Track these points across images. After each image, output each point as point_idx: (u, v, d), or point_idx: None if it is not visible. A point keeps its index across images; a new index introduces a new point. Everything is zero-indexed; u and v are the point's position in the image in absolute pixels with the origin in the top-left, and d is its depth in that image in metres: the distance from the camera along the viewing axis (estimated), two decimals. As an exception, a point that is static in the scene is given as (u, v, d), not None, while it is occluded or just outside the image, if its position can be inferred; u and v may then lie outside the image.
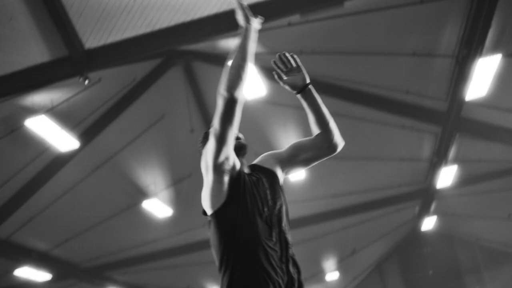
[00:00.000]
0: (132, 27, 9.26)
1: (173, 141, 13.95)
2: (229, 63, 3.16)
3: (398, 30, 10.87)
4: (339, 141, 3.50)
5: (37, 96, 10.35)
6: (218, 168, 3.19)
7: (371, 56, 11.40)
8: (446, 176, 15.29)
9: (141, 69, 11.52)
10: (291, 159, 3.50)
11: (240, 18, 3.29)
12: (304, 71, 3.49)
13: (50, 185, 12.59)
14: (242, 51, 3.17)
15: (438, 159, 15.01)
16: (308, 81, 3.48)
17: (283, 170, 3.49)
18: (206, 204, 3.27)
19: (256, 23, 3.29)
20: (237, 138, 3.51)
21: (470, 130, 13.67)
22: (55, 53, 9.05)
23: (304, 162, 3.50)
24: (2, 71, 9.02)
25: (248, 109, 12.56)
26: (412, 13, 10.37)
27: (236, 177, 3.26)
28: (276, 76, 3.49)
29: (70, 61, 9.07)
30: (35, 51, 8.96)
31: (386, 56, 11.42)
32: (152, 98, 12.41)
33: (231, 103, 3.11)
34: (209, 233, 3.26)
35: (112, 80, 11.13)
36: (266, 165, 3.48)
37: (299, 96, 3.51)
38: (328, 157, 3.54)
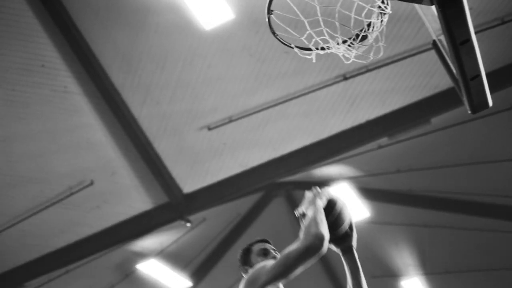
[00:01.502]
0: (226, 169, 9.73)
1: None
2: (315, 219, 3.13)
3: (492, 138, 10.65)
4: None
5: (146, 241, 10.91)
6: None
7: (471, 166, 11.15)
8: None
9: (244, 204, 11.89)
10: None
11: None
12: (354, 233, 3.40)
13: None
14: (319, 217, 3.15)
15: None
16: (354, 246, 3.39)
17: None
18: None
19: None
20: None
21: None
22: (156, 201, 9.64)
23: None
24: (109, 222, 9.69)
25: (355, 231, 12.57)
26: (503, 120, 10.18)
27: None
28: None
29: (171, 206, 9.61)
30: (137, 201, 9.59)
31: (487, 164, 11.14)
32: (258, 231, 12.66)
33: (315, 249, 3.00)
34: None
35: (216, 218, 11.56)
36: None
37: (342, 258, 3.39)
38: None
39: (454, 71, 3.93)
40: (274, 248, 3.50)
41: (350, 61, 3.57)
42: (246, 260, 3.46)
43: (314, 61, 3.57)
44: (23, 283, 9.96)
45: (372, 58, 3.60)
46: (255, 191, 11.55)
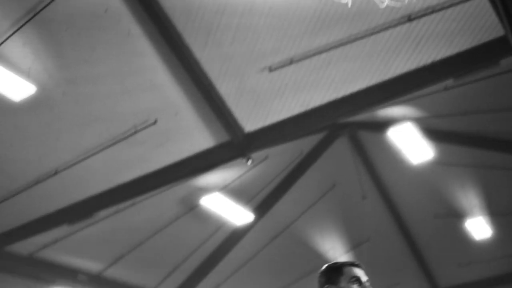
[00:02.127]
0: (287, 109, 9.91)
1: (347, 208, 14.30)
2: None
3: None
4: None
5: (210, 177, 11.35)
6: None
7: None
8: None
9: (307, 143, 12.11)
10: None
11: None
12: None
13: (231, 256, 13.54)
14: None
15: None
16: None
17: None
18: None
19: None
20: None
21: None
22: (218, 139, 9.99)
23: None
24: (172, 159, 10.14)
25: (419, 172, 12.65)
26: None
27: None
28: None
29: (232, 145, 9.94)
30: (200, 139, 9.96)
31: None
32: (321, 169, 12.94)
33: None
34: None
35: (279, 156, 11.85)
36: None
37: None
38: None
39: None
40: (367, 279, 3.05)
41: (385, 4, 3.58)
42: (333, 279, 3.05)
43: (349, 6, 3.58)
44: (91, 213, 10.64)
45: (406, 2, 3.57)
46: (318, 131, 11.73)
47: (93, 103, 8.96)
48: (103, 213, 10.84)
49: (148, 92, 9.05)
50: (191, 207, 11.84)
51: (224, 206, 11.62)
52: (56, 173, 9.49)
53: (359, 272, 3.05)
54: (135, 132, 9.43)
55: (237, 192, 11.85)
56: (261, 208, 12.63)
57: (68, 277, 11.69)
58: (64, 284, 11.67)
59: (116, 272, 12.63)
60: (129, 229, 11.69)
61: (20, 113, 8.73)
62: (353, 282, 3.00)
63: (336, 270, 3.05)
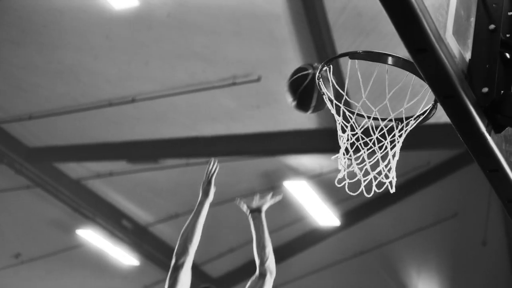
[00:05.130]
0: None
1: (461, 247, 14.84)
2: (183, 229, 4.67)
3: None
4: (272, 267, 5.03)
5: (306, 158, 12.25)
6: None
7: None
8: None
9: (439, 154, 12.68)
10: None
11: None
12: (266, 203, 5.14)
13: (302, 257, 14.48)
14: (194, 218, 4.70)
15: None
16: (263, 210, 5.15)
17: None
18: None
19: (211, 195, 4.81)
20: None
21: None
22: (324, 123, 10.84)
23: None
24: (266, 127, 11.14)
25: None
26: None
27: None
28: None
29: (335, 135, 10.74)
30: (303, 115, 10.82)
31: None
32: (445, 190, 13.52)
33: (174, 269, 4.61)
34: None
35: (400, 160, 12.51)
36: None
37: (249, 216, 5.16)
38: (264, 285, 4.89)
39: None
40: None
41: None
42: None
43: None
44: (157, 158, 11.83)
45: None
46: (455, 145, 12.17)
47: (197, 36, 9.94)
48: (170, 161, 12.00)
49: (262, 42, 9.95)
50: (271, 186, 12.75)
51: (310, 199, 12.44)
52: (133, 100, 10.67)
53: None
54: (233, 84, 10.41)
55: (329, 187, 12.63)
56: (352, 215, 13.43)
57: (110, 217, 13.04)
58: (105, 223, 13.02)
59: (164, 230, 13.88)
60: (194, 188, 12.78)
61: (116, 23, 9.89)
62: None
63: None
